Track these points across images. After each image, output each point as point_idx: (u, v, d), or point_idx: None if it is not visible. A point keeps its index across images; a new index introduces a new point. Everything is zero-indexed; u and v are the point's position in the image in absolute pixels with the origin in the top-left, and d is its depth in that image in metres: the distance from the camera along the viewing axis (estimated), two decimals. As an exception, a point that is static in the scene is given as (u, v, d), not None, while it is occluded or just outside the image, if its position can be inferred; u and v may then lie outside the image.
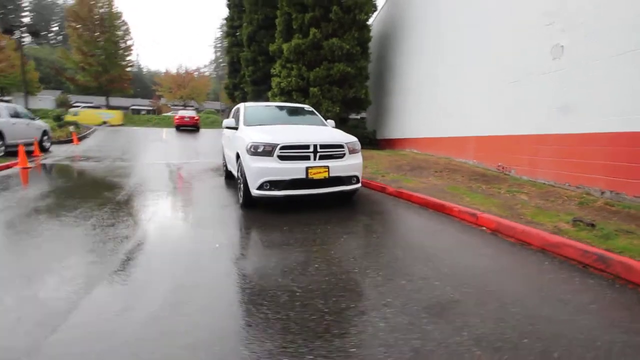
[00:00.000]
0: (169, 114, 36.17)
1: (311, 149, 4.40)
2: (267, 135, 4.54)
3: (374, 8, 12.36)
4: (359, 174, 4.79)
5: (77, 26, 27.60)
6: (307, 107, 6.46)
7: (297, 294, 2.25)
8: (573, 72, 5.05)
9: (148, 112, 45.27)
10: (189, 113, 21.12)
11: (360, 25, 12.03)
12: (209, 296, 2.23)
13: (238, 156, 4.95)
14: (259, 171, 4.28)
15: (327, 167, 4.43)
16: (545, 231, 3.26)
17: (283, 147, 4.31)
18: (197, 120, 20.96)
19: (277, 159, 4.30)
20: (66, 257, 2.88)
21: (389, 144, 12.89)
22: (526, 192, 5.23)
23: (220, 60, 78.45)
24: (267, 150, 4.31)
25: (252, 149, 4.38)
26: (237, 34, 18.39)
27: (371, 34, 12.54)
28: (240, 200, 4.80)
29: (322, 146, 4.46)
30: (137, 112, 44.85)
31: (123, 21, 29.67)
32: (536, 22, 5.64)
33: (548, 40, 5.42)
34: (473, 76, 7.46)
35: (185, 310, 2.04)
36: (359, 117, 16.71)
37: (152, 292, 2.27)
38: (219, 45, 77.91)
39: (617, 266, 2.47)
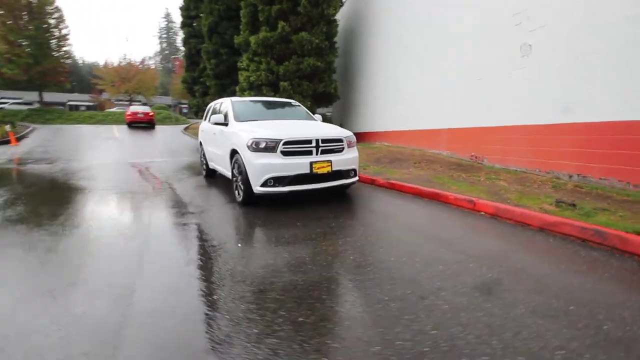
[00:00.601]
0: (113, 109, 33.37)
1: (313, 144, 4.41)
2: (268, 131, 4.47)
3: (340, 3, 12.49)
4: (356, 167, 4.90)
5: (0, 12, 24.17)
6: (293, 102, 6.41)
7: (350, 285, 2.30)
8: (540, 69, 5.60)
9: (88, 108, 41.43)
10: (142, 108, 19.67)
11: (327, 20, 12.10)
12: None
13: (234, 153, 4.80)
14: (263, 168, 4.20)
15: (330, 161, 4.48)
16: (539, 212, 3.64)
17: (286, 143, 4.27)
18: (152, 116, 19.63)
19: (280, 154, 4.25)
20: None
21: (357, 137, 13.17)
22: (503, 179, 5.72)
23: (167, 51, 73.90)
24: (269, 146, 4.24)
25: (253, 145, 4.28)
26: (194, 24, 17.44)
27: (337, 28, 12.67)
28: (239, 198, 4.67)
29: (324, 141, 4.50)
30: (75, 108, 40.82)
31: (56, 7, 26.59)
32: (507, 22, 6.13)
33: (517, 39, 5.93)
34: (444, 72, 7.90)
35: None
36: (324, 112, 16.86)
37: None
38: (165, 35, 73.32)
39: (613, 239, 2.85)
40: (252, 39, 11.99)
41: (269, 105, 6.03)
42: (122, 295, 2.18)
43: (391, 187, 5.72)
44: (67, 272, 2.62)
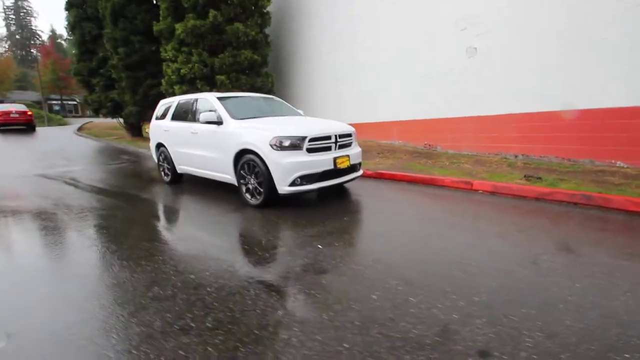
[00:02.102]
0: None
1: (333, 140, 4.47)
2: (288, 127, 4.32)
3: (272, -5, 12.21)
4: (361, 160, 5.13)
5: None
6: (276, 98, 6.20)
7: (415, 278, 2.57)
8: (484, 68, 6.72)
9: None
10: (16, 107, 15.58)
11: (261, 12, 11.74)
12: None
13: (242, 154, 4.47)
14: (292, 166, 4.07)
15: (348, 155, 4.61)
16: (533, 186, 4.52)
17: (312, 140, 4.23)
18: (30, 115, 15.81)
19: (305, 152, 4.18)
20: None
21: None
22: (464, 162, 6.73)
23: (18, 35, 59.35)
24: (294, 144, 4.13)
25: (278, 144, 4.10)
26: (86, 5, 14.54)
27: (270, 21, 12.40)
28: (255, 201, 4.39)
29: (341, 136, 4.59)
30: None
31: None
32: (452, 27, 7.10)
33: (464, 42, 6.96)
34: (394, 70, 8.65)
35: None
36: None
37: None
38: (13, 17, 58.65)
39: (597, 200, 3.81)
40: (179, 26, 10.82)
41: (255, 101, 5.71)
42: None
43: (380, 177, 6.12)
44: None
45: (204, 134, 5.19)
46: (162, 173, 6.61)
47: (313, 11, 11.70)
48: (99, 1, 13.26)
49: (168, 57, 11.24)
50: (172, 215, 4.51)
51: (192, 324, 1.91)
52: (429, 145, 8.12)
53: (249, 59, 11.25)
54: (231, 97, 5.40)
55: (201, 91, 11.00)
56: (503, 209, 4.08)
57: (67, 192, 6.03)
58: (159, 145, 6.53)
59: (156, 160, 6.86)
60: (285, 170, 4.08)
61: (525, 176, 5.21)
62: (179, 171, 6.16)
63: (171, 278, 2.49)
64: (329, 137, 4.41)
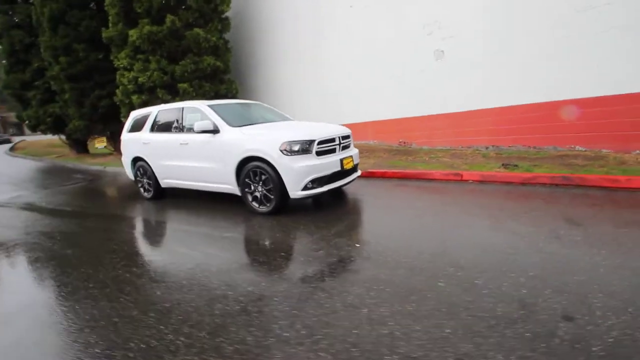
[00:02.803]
0: None
1: (337, 142, 4.54)
2: (295, 132, 4.30)
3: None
4: (359, 161, 5.26)
5: None
6: (263, 104, 6.12)
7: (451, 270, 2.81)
8: (452, 69, 7.27)
9: None
10: None
11: (221, 17, 11.43)
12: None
13: (246, 162, 4.36)
14: (305, 170, 4.08)
15: (352, 156, 4.73)
16: (518, 172, 5.00)
17: (320, 142, 4.26)
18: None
19: (315, 155, 4.21)
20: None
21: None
22: (442, 156, 7.20)
23: None
24: (304, 148, 4.14)
25: (288, 148, 4.07)
26: (11, 13, 12.89)
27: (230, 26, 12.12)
28: (264, 209, 4.31)
29: (343, 137, 4.68)
30: None
31: None
32: (419, 31, 7.59)
33: (431, 46, 7.47)
34: (365, 74, 8.96)
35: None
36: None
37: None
38: None
39: (575, 180, 4.36)
40: (133, 33, 10.14)
41: (245, 107, 5.58)
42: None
43: (371, 176, 6.32)
44: None
45: (196, 144, 4.96)
46: (142, 189, 6.15)
47: (275, 15, 11.66)
48: (31, 7, 11.90)
49: (122, 65, 10.45)
50: (179, 234, 4.24)
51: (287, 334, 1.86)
52: (404, 143, 8.55)
53: (212, 66, 10.90)
54: (222, 105, 5.22)
55: (163, 100, 10.42)
56: (499, 195, 4.47)
57: (32, 218, 5.37)
58: (136, 160, 6.07)
59: (132, 177, 6.37)
60: (298, 175, 4.07)
61: (503, 164, 5.74)
62: (163, 185, 5.79)
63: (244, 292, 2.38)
64: (333, 140, 4.48)
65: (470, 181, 5.24)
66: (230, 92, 11.86)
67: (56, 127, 13.71)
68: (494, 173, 5.14)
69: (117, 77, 10.69)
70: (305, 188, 4.12)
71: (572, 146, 5.88)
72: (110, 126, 12.89)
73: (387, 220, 3.87)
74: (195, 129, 4.68)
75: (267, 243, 3.42)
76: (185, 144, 5.11)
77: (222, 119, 4.78)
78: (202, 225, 4.33)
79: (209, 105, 5.04)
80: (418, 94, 7.92)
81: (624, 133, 5.30)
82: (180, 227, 4.41)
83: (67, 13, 11.39)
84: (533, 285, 2.16)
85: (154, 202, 5.80)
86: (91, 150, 15.34)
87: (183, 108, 5.34)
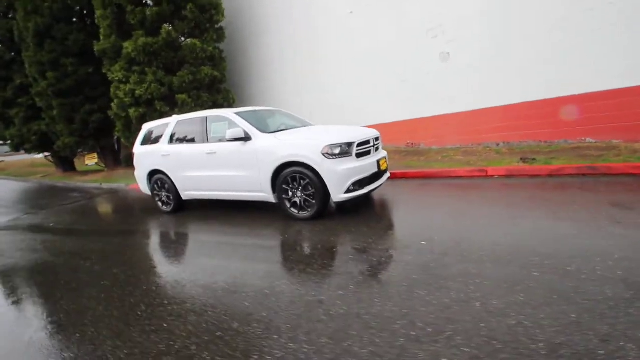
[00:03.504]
0: None
1: (372, 143, 4.57)
2: (334, 135, 4.29)
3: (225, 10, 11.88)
4: (387, 162, 5.31)
5: None
6: (283, 110, 6.07)
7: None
8: (458, 70, 7.49)
9: None
10: None
11: (215, 27, 11.32)
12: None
13: (283, 168, 4.30)
14: (347, 173, 4.07)
15: (385, 157, 4.77)
16: (544, 165, 5.17)
17: (359, 145, 4.27)
18: None
19: (355, 157, 4.21)
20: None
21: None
22: (454, 155, 7.36)
23: None
24: (344, 151, 4.13)
25: (330, 152, 4.06)
26: (-11, 25, 12.27)
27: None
28: (304, 214, 4.26)
29: (375, 139, 4.72)
30: None
31: None
32: (424, 35, 7.79)
33: (436, 49, 7.67)
34: (372, 79, 9.09)
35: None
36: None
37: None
38: None
39: (601, 169, 4.55)
40: (128, 45, 9.89)
41: (269, 114, 5.52)
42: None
43: (392, 177, 6.36)
44: None
45: (225, 153, 4.86)
46: (160, 203, 5.95)
47: (269, 24, 11.65)
48: (13, 22, 11.41)
49: (117, 78, 10.15)
50: (243, 250, 4.11)
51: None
52: (412, 144, 8.69)
53: (210, 76, 10.77)
54: (248, 112, 5.16)
55: (162, 113, 10.20)
56: (534, 187, 4.58)
57: (51, 240, 5.09)
58: (154, 173, 5.88)
59: (147, 191, 6.15)
60: (341, 178, 4.05)
61: (521, 159, 5.93)
62: (184, 198, 5.63)
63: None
64: (369, 142, 4.50)
65: (496, 176, 5.38)
66: (227, 102, 11.74)
67: (42, 145, 13.10)
68: (520, 167, 5.31)
69: (112, 90, 10.36)
70: (348, 191, 4.10)
71: (583, 138, 6.15)
72: (102, 141, 12.44)
73: (437, 218, 3.89)
74: (227, 137, 4.58)
75: (330, 248, 3.37)
76: (212, 154, 4.99)
77: (254, 125, 4.72)
78: (243, 235, 4.22)
79: (236, 113, 4.96)
80: (424, 95, 8.10)
81: (631, 124, 5.61)
82: (237, 241, 4.26)
83: (54, 27, 10.99)
84: (625, 267, 2.23)
85: (174, 216, 5.61)
86: (79, 167, 14.72)
87: (207, 117, 5.23)
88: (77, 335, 2.30)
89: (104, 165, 13.17)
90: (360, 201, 4.90)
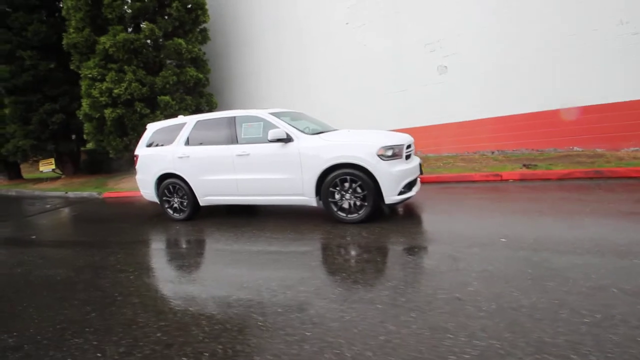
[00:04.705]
0: None
1: (412, 147, 4.66)
2: (383, 137, 4.29)
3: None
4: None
5: None
6: (305, 113, 5.92)
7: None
8: (454, 83, 7.99)
9: None
10: None
11: (200, 28, 10.83)
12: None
13: (332, 170, 4.19)
14: (401, 174, 4.09)
15: (421, 160, 4.87)
16: (555, 170, 5.65)
17: (407, 147, 4.33)
18: None
19: (404, 159, 4.26)
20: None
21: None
22: (454, 161, 7.76)
23: None
24: (396, 153, 4.15)
25: (384, 153, 4.05)
26: None
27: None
28: (355, 217, 4.17)
29: (411, 142, 4.81)
30: None
31: None
32: (422, 49, 8.22)
33: (434, 62, 8.13)
34: (369, 88, 9.30)
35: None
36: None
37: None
38: None
39: (606, 173, 5.11)
40: (106, 40, 9.05)
41: (298, 116, 5.35)
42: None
43: (407, 182, 6.51)
44: None
45: (259, 155, 4.61)
46: (171, 210, 5.43)
47: (254, 27, 11.42)
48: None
49: (91, 75, 9.18)
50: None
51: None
52: (408, 152, 8.98)
53: (194, 78, 10.23)
54: (281, 113, 4.97)
55: (142, 114, 9.44)
56: (556, 189, 4.92)
57: (48, 255, 4.36)
58: (165, 177, 5.37)
59: (155, 198, 5.58)
60: (396, 180, 4.05)
61: (523, 165, 6.44)
62: (203, 204, 5.21)
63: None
64: (410, 145, 4.58)
65: (511, 180, 5.77)
66: (210, 106, 11.21)
67: (-15, 149, 11.29)
68: (533, 172, 5.75)
69: (83, 88, 9.34)
70: (399, 193, 4.12)
71: (571, 147, 6.88)
72: (61, 145, 11.05)
73: (489, 217, 4.04)
74: (270, 137, 4.35)
75: (401, 249, 3.32)
76: (243, 155, 4.70)
77: (295, 126, 4.57)
78: (291, 243, 4.00)
79: (272, 113, 4.76)
80: (422, 106, 8.48)
81: (613, 134, 6.41)
82: (295, 250, 3.99)
83: (10, 15, 9.69)
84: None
85: (188, 224, 5.15)
86: (27, 175, 12.90)
87: (235, 117, 4.94)
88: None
89: (61, 173, 11.69)
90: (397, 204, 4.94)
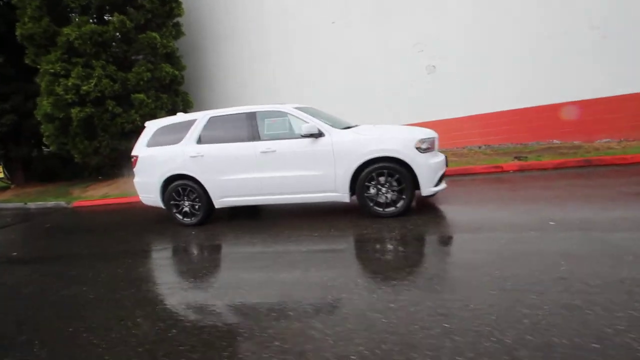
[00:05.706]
0: None
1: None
2: (416, 131, 4.33)
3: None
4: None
5: None
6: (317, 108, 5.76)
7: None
8: (442, 82, 8.36)
9: None
10: None
11: (174, 22, 10.13)
12: None
13: (365, 165, 4.12)
14: (437, 166, 4.18)
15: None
16: (549, 160, 6.11)
17: (437, 140, 4.41)
18: None
19: (436, 152, 4.35)
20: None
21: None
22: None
23: None
24: (430, 145, 4.23)
25: (421, 146, 4.09)
26: None
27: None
28: (394, 210, 4.14)
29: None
30: None
31: None
32: (410, 49, 8.49)
33: (422, 62, 8.43)
34: (357, 87, 9.36)
35: None
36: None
37: None
38: None
39: (595, 161, 5.66)
40: (69, 30, 8.10)
41: (317, 112, 5.18)
42: None
43: (412, 176, 6.66)
44: None
45: (287, 151, 4.41)
46: (180, 215, 4.98)
47: (233, 22, 10.96)
48: None
49: (53, 70, 8.13)
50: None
51: None
52: (398, 149, 9.21)
53: (170, 75, 9.56)
54: (305, 108, 4.80)
55: (114, 114, 8.60)
56: (562, 177, 5.27)
57: (48, 271, 3.75)
58: (174, 179, 4.91)
59: (159, 202, 5.07)
60: (433, 171, 4.11)
61: (515, 157, 6.92)
62: (218, 206, 4.86)
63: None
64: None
65: (511, 171, 6.15)
66: (185, 105, 10.54)
67: None
68: (529, 163, 6.19)
69: (43, 85, 8.25)
70: (435, 184, 4.19)
71: (551, 140, 7.53)
72: (13, 151, 9.63)
73: (521, 204, 4.24)
74: (303, 132, 4.18)
75: (467, 237, 3.36)
76: (268, 152, 4.46)
77: (326, 121, 4.44)
78: (335, 240, 3.87)
79: (298, 108, 4.57)
80: (410, 104, 8.75)
81: (588, 128, 7.14)
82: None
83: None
84: None
85: (201, 228, 4.77)
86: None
87: (256, 113, 4.67)
88: None
89: (10, 182, 10.21)
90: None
